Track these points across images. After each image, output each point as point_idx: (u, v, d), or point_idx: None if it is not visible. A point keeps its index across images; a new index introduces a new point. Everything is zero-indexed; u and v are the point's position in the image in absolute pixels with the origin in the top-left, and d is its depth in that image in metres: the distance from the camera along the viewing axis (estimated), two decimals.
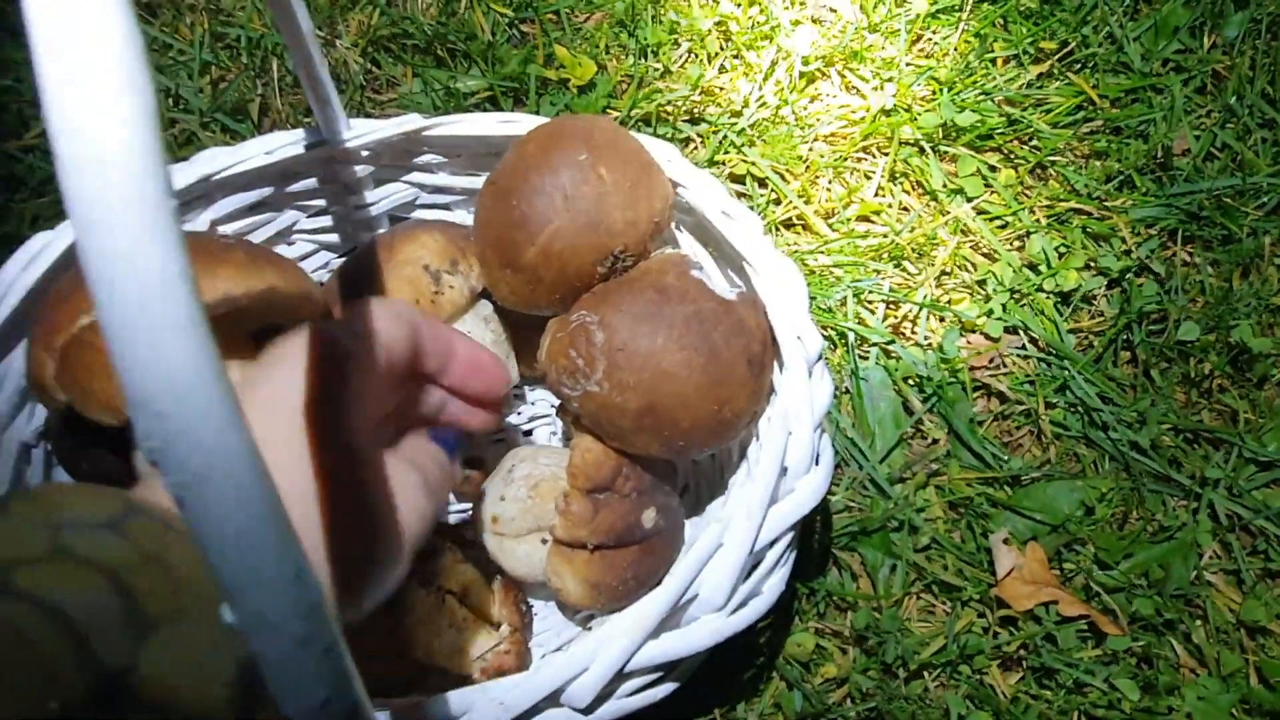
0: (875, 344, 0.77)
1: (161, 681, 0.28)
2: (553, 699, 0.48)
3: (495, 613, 0.64)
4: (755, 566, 0.53)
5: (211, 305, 0.51)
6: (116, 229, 0.19)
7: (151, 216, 0.20)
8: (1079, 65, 0.90)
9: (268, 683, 0.25)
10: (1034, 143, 0.87)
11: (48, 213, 0.83)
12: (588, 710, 0.48)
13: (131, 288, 0.19)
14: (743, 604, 0.52)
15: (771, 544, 0.52)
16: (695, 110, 0.89)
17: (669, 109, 0.88)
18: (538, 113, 0.88)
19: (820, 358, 0.57)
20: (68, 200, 0.19)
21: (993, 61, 0.91)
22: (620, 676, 0.48)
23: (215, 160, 0.62)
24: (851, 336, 0.77)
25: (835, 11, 0.94)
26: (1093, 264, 0.81)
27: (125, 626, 0.28)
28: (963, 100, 0.87)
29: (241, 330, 0.59)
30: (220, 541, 0.21)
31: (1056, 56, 0.90)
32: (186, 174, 0.61)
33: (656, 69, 0.91)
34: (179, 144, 0.87)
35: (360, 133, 0.64)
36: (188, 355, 0.20)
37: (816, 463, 0.55)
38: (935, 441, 0.74)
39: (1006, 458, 0.73)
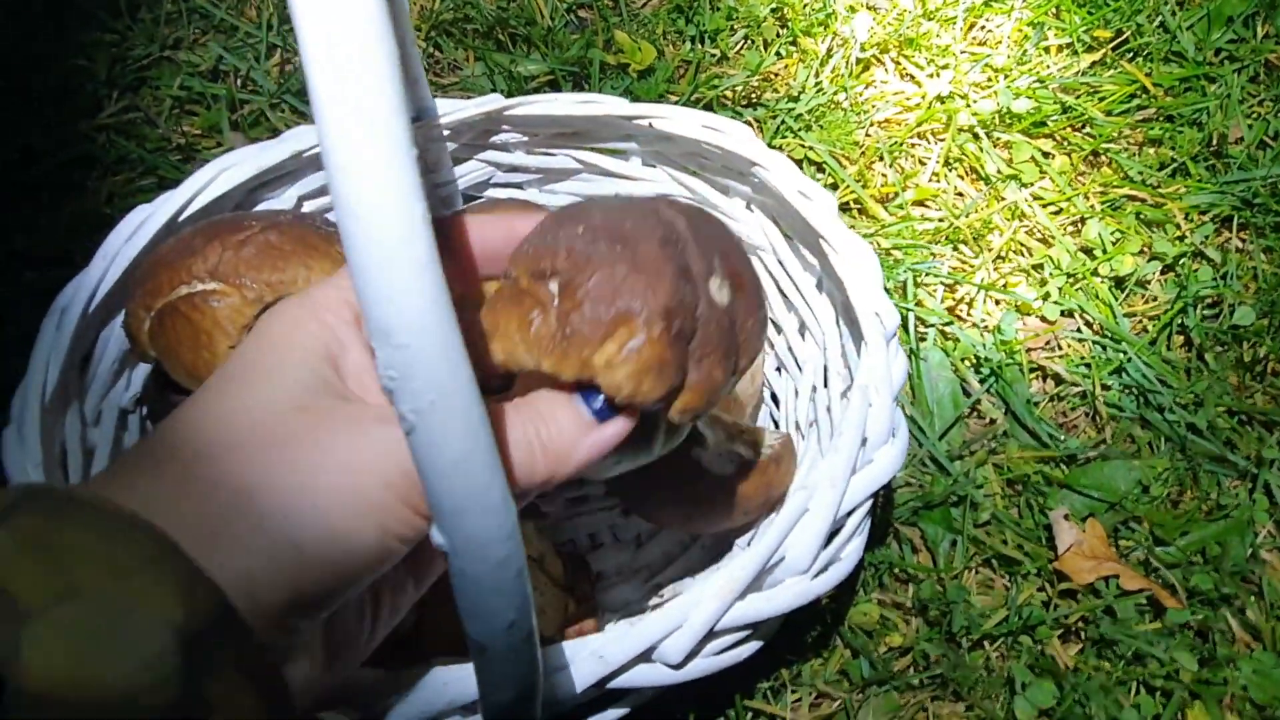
0: (933, 325, 0.79)
1: (45, 670, 0.25)
2: (646, 655, 0.49)
3: (568, 580, 0.66)
4: (835, 534, 0.54)
5: None
6: (368, 179, 0.21)
7: (399, 168, 0.22)
8: (1132, 54, 0.92)
9: (462, 606, 0.27)
10: (1088, 130, 0.88)
11: (122, 190, 0.85)
12: (678, 666, 0.50)
13: (383, 233, 0.21)
14: (824, 569, 0.54)
15: (851, 512, 0.54)
16: (753, 95, 0.91)
17: (727, 94, 0.90)
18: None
19: (895, 333, 0.58)
20: (326, 153, 0.21)
21: (1047, 49, 0.92)
22: (710, 635, 0.50)
23: (305, 138, 0.64)
24: (911, 318, 0.79)
25: None
26: (1147, 249, 0.82)
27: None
28: (1018, 87, 0.89)
29: None
30: (443, 465, 0.23)
31: (1110, 45, 0.92)
32: (278, 151, 0.63)
33: (714, 55, 0.92)
34: (248, 124, 0.89)
35: (445, 112, 0.66)
36: (427, 293, 0.22)
37: (893, 435, 0.56)
38: (993, 421, 0.76)
39: (1063, 437, 0.75)
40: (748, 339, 0.39)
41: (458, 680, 0.45)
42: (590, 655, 0.48)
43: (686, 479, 0.60)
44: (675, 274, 0.34)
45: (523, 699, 0.31)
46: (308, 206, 0.67)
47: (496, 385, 0.39)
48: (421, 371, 0.22)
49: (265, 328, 0.37)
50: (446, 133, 0.68)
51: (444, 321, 0.22)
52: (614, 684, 0.49)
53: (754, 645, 0.54)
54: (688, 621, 0.49)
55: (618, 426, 0.37)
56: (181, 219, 0.61)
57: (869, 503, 0.55)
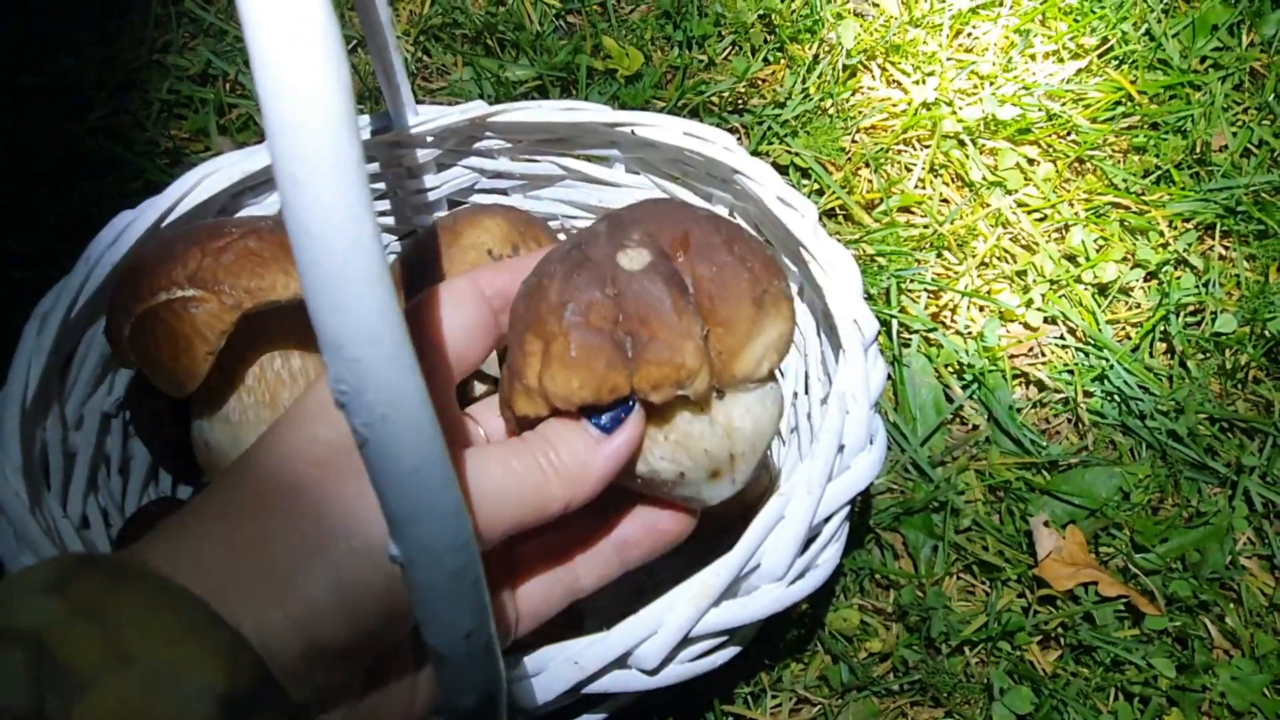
0: (917, 332, 0.79)
1: None
2: (621, 661, 0.50)
3: None
4: (812, 540, 0.55)
5: (281, 301, 0.54)
6: (318, 193, 0.21)
7: (348, 182, 0.22)
8: (1118, 61, 0.92)
9: (419, 615, 0.27)
10: (1073, 137, 0.89)
11: (110, 192, 0.85)
12: (654, 672, 0.50)
13: (333, 245, 0.22)
14: (800, 575, 0.54)
15: (828, 518, 0.55)
16: (740, 102, 0.91)
17: (714, 100, 0.90)
18: (586, 100, 0.90)
19: (875, 340, 0.59)
20: (278, 167, 0.22)
21: (1033, 57, 0.93)
22: (685, 641, 0.51)
23: None
24: (895, 324, 0.79)
25: (878, 6, 0.95)
26: (1130, 256, 0.83)
27: (50, 691, 0.26)
28: (1003, 94, 0.89)
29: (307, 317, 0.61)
30: (397, 476, 0.23)
31: (1096, 52, 0.92)
32: (263, 156, 0.63)
33: (701, 60, 0.93)
34: (237, 129, 0.89)
35: (427, 118, 0.66)
36: (377, 306, 0.22)
37: (871, 442, 0.57)
38: (975, 427, 0.76)
39: (1045, 444, 0.75)
40: (720, 283, 0.38)
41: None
42: (565, 661, 0.48)
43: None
44: (566, 270, 0.35)
45: (485, 705, 0.31)
46: None
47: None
48: (373, 384, 0.22)
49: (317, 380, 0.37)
50: (430, 139, 0.68)
51: (395, 334, 0.22)
52: (589, 689, 0.49)
53: (730, 651, 0.54)
54: (662, 627, 0.50)
55: (626, 432, 0.38)
56: (165, 224, 0.61)
57: (846, 509, 0.55)
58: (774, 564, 0.52)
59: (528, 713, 0.48)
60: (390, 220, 0.75)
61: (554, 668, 0.48)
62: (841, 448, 0.55)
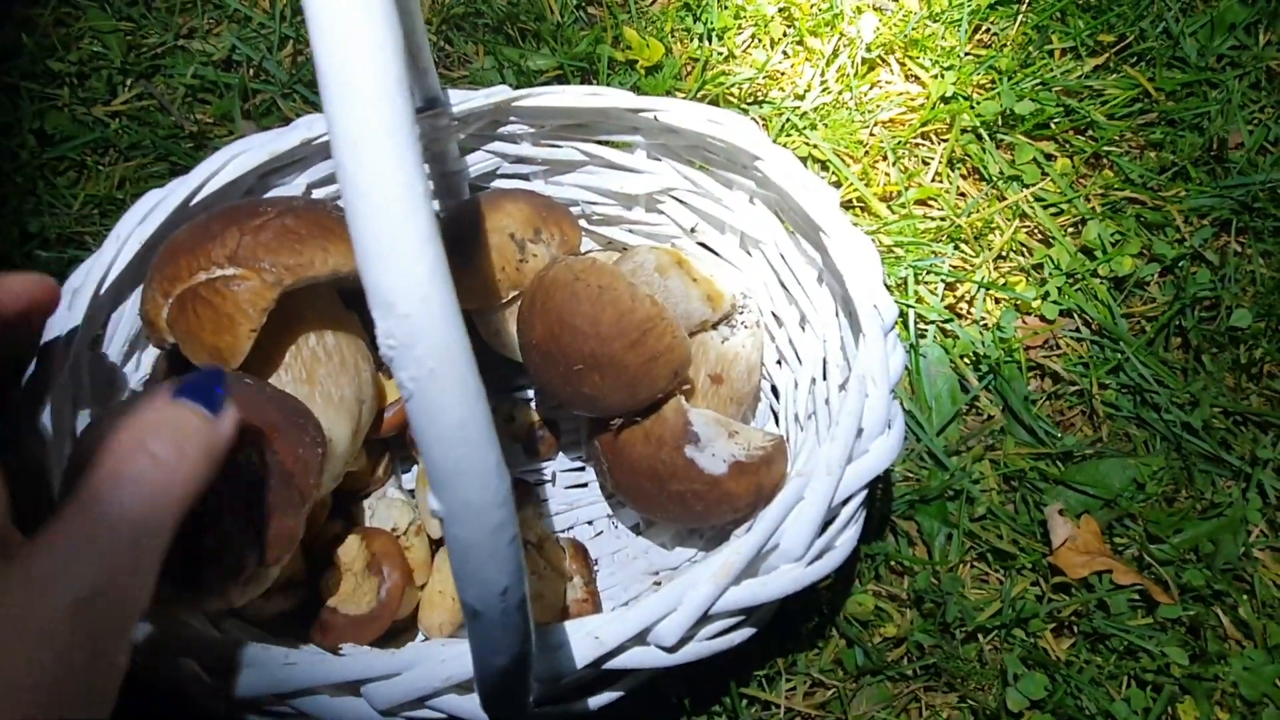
0: (933, 322, 0.80)
1: None
2: (641, 637, 0.50)
3: (567, 566, 0.67)
4: (830, 522, 0.55)
5: (320, 278, 0.55)
6: (372, 155, 0.22)
7: (401, 145, 0.22)
8: (1135, 59, 0.92)
9: (457, 572, 0.28)
10: (1090, 133, 0.89)
11: (134, 175, 0.86)
12: (673, 649, 0.51)
13: (386, 204, 0.22)
14: (819, 556, 0.55)
15: (846, 501, 0.55)
16: (759, 93, 0.91)
17: (734, 92, 0.91)
18: None
19: (894, 326, 0.59)
20: (332, 129, 0.22)
21: (1051, 53, 0.93)
22: (704, 619, 0.51)
23: (316, 125, 0.65)
24: (912, 315, 0.79)
25: (897, 0, 0.96)
26: (1146, 251, 0.83)
27: None
28: (1021, 89, 0.90)
29: (338, 294, 0.62)
30: (442, 431, 0.24)
31: (1114, 50, 0.92)
32: (290, 138, 0.64)
33: (721, 53, 0.93)
34: (260, 114, 0.90)
35: (454, 102, 0.67)
36: (429, 265, 0.23)
37: (889, 426, 0.57)
38: (990, 418, 0.77)
39: (1060, 435, 0.76)
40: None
41: (455, 657, 0.46)
42: (587, 635, 0.49)
43: (680, 477, 0.62)
44: None
45: (516, 665, 0.32)
46: (317, 194, 0.68)
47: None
48: (423, 340, 0.23)
49: None
50: (455, 123, 0.69)
51: (444, 293, 0.23)
52: (609, 665, 0.50)
53: (747, 632, 0.54)
54: (682, 604, 0.50)
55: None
56: (194, 203, 0.62)
57: (864, 492, 0.56)
58: (792, 544, 0.53)
59: (549, 685, 0.49)
60: None
61: (576, 642, 0.49)
62: (860, 431, 0.56)
